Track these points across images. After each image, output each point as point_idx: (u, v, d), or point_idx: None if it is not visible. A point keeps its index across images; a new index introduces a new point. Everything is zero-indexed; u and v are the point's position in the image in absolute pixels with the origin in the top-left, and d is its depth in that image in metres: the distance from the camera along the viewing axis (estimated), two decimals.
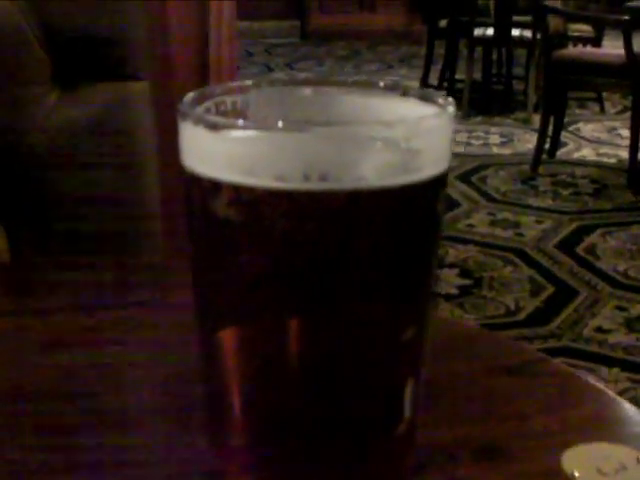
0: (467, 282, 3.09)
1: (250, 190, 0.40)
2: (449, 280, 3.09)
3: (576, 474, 0.54)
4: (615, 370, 2.53)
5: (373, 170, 0.40)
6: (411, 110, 0.45)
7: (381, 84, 0.47)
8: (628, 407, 0.63)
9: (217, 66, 1.49)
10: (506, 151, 4.78)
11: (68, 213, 1.16)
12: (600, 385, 0.67)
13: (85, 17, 1.13)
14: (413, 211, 0.42)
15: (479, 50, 5.55)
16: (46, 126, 1.13)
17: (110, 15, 1.14)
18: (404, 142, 0.41)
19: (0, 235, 1.13)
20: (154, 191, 1.20)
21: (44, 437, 0.59)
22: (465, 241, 3.46)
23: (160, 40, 1.38)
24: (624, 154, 4.40)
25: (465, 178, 4.22)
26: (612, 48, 4.75)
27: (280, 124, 0.40)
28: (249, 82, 0.47)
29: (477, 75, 5.62)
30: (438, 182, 0.43)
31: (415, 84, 6.08)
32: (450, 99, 0.44)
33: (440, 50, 5.91)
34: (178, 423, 0.60)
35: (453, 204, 3.83)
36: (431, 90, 0.45)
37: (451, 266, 3.21)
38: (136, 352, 0.70)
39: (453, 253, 3.32)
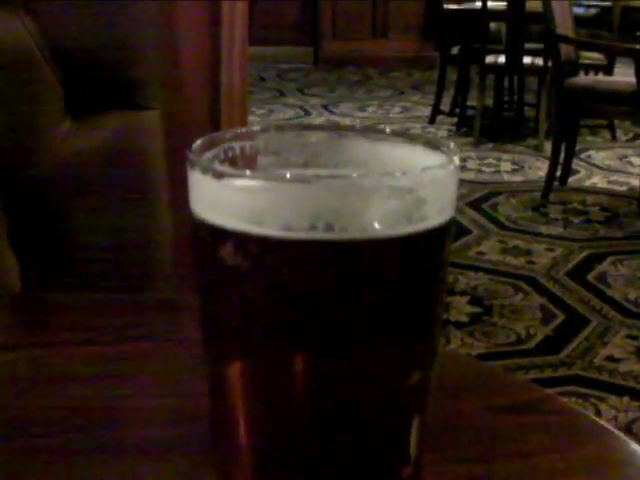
0: (477, 310, 3.09)
1: (257, 239, 0.41)
2: (459, 308, 3.08)
3: None
4: (626, 399, 2.52)
5: (378, 220, 0.41)
6: (417, 158, 0.45)
7: (388, 130, 0.48)
8: (635, 447, 0.63)
9: (229, 94, 1.50)
10: (517, 178, 4.79)
11: (79, 243, 1.16)
12: (606, 424, 0.67)
13: (98, 46, 1.14)
14: (418, 260, 0.43)
15: (491, 77, 5.56)
16: (58, 154, 1.14)
17: (122, 44, 1.15)
18: (409, 192, 0.41)
19: (12, 266, 1.14)
20: (165, 222, 1.21)
21: (54, 470, 0.59)
22: (476, 268, 3.46)
23: (171, 68, 1.39)
24: (635, 182, 4.40)
25: (476, 205, 4.22)
26: (623, 76, 4.76)
27: (287, 175, 0.41)
28: (257, 128, 0.47)
29: (489, 102, 5.64)
30: (443, 231, 0.43)
31: (427, 110, 6.10)
32: (455, 147, 0.45)
33: (452, 77, 5.93)
34: (186, 456, 0.60)
35: (464, 231, 3.83)
36: (437, 137, 0.46)
37: (461, 293, 3.21)
38: (146, 386, 0.70)
39: (463, 281, 3.32)
